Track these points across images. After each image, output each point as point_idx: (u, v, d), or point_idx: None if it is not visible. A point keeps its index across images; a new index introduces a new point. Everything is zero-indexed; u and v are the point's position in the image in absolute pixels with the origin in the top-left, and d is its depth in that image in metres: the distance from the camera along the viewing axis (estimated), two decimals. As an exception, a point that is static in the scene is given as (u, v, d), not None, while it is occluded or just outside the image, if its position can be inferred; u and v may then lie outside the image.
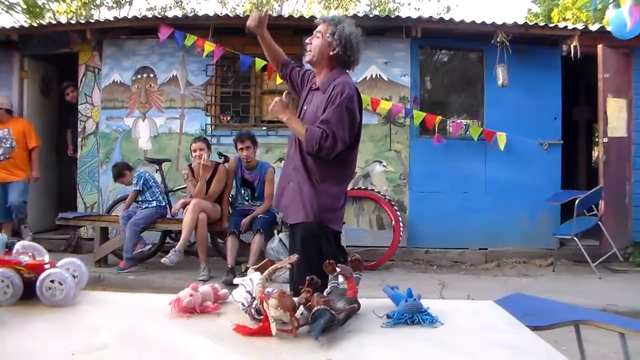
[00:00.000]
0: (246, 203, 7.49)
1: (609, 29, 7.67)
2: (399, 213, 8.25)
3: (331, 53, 3.56)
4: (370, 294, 2.22)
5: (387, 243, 8.16)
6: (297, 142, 3.62)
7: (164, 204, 7.68)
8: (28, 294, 1.95)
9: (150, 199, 7.60)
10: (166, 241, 8.07)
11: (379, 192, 8.45)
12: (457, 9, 27.06)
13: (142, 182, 7.62)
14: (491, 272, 7.97)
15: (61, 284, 1.95)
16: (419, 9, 24.52)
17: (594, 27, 8.39)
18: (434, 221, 8.50)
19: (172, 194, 8.32)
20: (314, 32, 3.64)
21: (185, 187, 7.88)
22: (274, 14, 10.99)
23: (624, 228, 8.26)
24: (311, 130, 3.43)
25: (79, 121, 9.20)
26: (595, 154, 12.71)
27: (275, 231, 7.32)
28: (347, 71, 3.69)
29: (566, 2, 19.68)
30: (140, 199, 7.66)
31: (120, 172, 7.82)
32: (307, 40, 3.66)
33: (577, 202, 7.50)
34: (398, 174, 8.59)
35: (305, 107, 3.70)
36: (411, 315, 1.83)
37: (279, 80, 7.93)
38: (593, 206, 7.92)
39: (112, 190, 8.87)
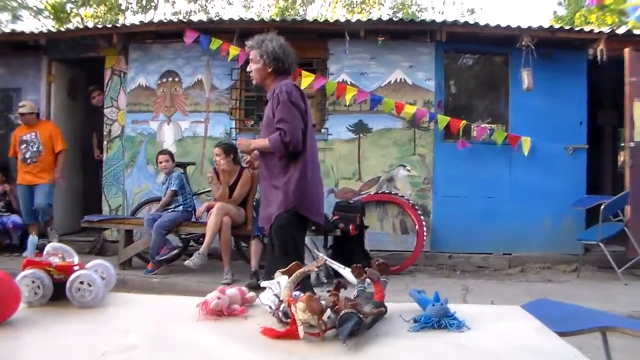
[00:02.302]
0: (270, 207, 7.50)
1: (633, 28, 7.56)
2: (422, 217, 8.24)
3: (269, 70, 4.19)
4: (394, 298, 2.22)
5: (410, 247, 8.15)
6: (262, 159, 4.29)
7: (190, 208, 7.72)
8: (58, 294, 1.98)
9: (180, 203, 7.66)
10: (190, 244, 8.12)
11: (402, 197, 8.44)
12: (481, 12, 26.94)
13: (179, 183, 7.69)
14: (515, 277, 7.91)
15: (90, 286, 1.97)
16: (442, 12, 24.43)
17: (620, 31, 8.31)
18: (458, 226, 8.46)
19: (197, 197, 8.37)
20: (250, 60, 4.28)
21: (210, 191, 7.92)
22: (299, 18, 10.98)
23: (651, 233, 8.16)
24: (272, 138, 4.03)
25: (104, 124, 9.29)
26: (621, 158, 12.58)
27: (299, 234, 7.30)
28: (287, 76, 4.25)
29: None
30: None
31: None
32: (247, 69, 4.35)
33: (602, 207, 7.43)
34: (422, 179, 8.57)
35: (263, 118, 4.34)
36: (438, 319, 1.83)
37: (304, 85, 8.02)
38: (619, 211, 7.84)
39: (137, 193, 8.95)
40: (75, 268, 2.03)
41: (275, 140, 3.97)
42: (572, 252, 8.23)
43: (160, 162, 7.84)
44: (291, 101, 4.01)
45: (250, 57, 4.22)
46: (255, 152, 4.26)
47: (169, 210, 7.62)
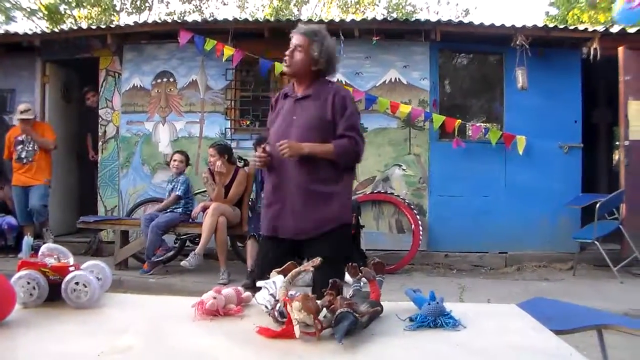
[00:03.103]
0: (266, 207, 7.50)
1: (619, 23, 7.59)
2: (418, 217, 8.24)
3: (314, 68, 3.54)
4: (391, 297, 2.22)
5: (406, 247, 8.15)
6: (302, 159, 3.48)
7: (189, 211, 7.72)
8: (53, 295, 1.98)
9: (180, 206, 7.66)
10: (186, 245, 8.12)
11: (398, 196, 8.44)
12: (475, 12, 26.94)
13: (186, 189, 7.70)
14: (511, 276, 7.93)
15: (86, 286, 1.97)
16: (437, 12, 24.47)
17: (614, 29, 8.32)
18: (454, 225, 8.46)
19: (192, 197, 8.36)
20: (294, 46, 3.57)
21: (205, 191, 7.92)
22: (293, 19, 11.00)
23: (646, 232, 8.18)
24: (340, 144, 3.46)
25: (99, 125, 9.29)
26: (616, 157, 12.61)
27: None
28: (329, 79, 3.70)
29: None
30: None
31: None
32: (287, 53, 3.58)
33: (598, 205, 7.45)
34: (417, 178, 8.57)
35: (294, 117, 3.56)
36: (434, 318, 1.83)
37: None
38: (614, 210, 7.87)
39: (132, 194, 8.94)
40: (71, 269, 2.03)
41: (345, 148, 3.45)
42: (568, 250, 8.25)
43: (174, 161, 7.80)
44: (357, 111, 3.65)
45: (300, 43, 3.54)
46: (300, 149, 3.42)
47: (167, 211, 7.61)
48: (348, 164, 3.58)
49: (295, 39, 3.58)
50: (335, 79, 3.79)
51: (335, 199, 3.52)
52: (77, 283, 1.97)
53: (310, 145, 3.43)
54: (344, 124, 3.47)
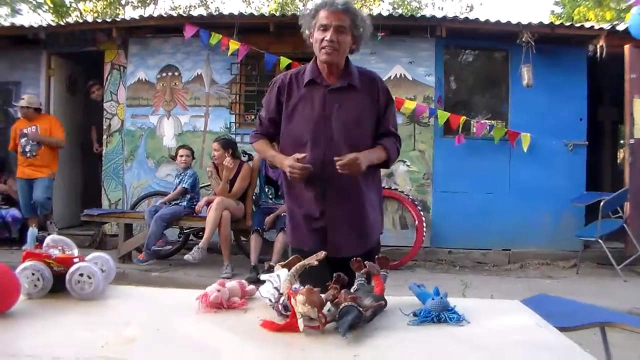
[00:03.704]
0: (270, 201, 7.53)
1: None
2: (422, 213, 8.24)
3: (352, 48, 3.04)
4: (394, 293, 2.22)
5: (410, 243, 8.15)
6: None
7: (193, 205, 7.71)
8: (58, 287, 1.98)
9: (185, 200, 7.66)
10: (190, 238, 8.13)
11: (402, 192, 8.43)
12: (480, 8, 26.80)
13: (192, 182, 7.69)
14: (514, 273, 7.92)
15: (90, 278, 1.98)
16: (442, 8, 24.40)
17: (620, 27, 8.30)
18: (457, 221, 8.46)
19: (197, 191, 8.37)
20: (337, 27, 2.91)
21: (209, 185, 7.92)
22: (298, 13, 10.99)
23: (650, 230, 8.17)
24: (390, 147, 3.04)
25: (104, 119, 9.30)
26: (620, 155, 12.59)
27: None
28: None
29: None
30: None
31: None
32: (331, 38, 2.90)
33: (602, 203, 7.44)
34: (422, 174, 8.56)
35: (333, 112, 2.99)
36: (438, 313, 1.83)
37: (304, 78, 8.00)
38: (618, 208, 7.85)
39: (136, 187, 8.95)
40: (75, 260, 2.04)
41: (396, 149, 3.10)
42: (572, 248, 8.23)
43: (181, 156, 7.80)
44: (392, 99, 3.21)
45: (340, 23, 2.90)
46: (360, 165, 2.85)
47: (173, 204, 7.61)
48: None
49: (335, 18, 2.91)
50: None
51: (379, 208, 3.27)
52: (81, 274, 1.97)
53: (367, 158, 2.89)
54: (390, 120, 3.10)
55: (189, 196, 7.68)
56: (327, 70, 3.03)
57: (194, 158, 8.03)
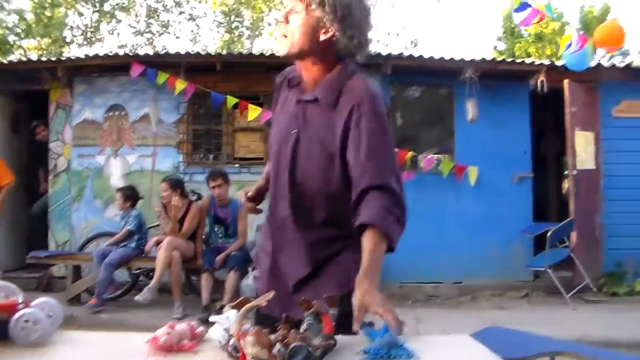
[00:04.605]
0: (220, 240, 7.49)
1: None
2: (372, 247, 8.24)
3: (323, 36, 2.06)
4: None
5: (361, 278, 8.13)
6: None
7: (142, 246, 7.61)
8: (1, 334, 1.93)
9: (134, 241, 7.54)
10: (139, 279, 8.01)
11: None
12: (424, 43, 27.33)
13: (138, 224, 7.58)
14: (466, 305, 7.99)
15: (36, 324, 1.92)
16: (387, 44, 24.75)
17: (559, 62, 8.55)
18: (408, 255, 8.44)
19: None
20: (288, 12, 2.12)
21: (159, 225, 7.84)
22: (245, 52, 11.08)
23: (596, 259, 8.35)
24: (386, 228, 2.03)
25: (50, 159, 9.14)
26: (565, 185, 12.86)
27: (250, 268, 7.31)
28: (354, 65, 2.20)
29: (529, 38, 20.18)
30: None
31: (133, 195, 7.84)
32: (279, 17, 2.30)
33: (549, 234, 7.59)
34: (371, 209, 8.58)
35: (295, 133, 2.17)
36: (387, 350, 1.83)
37: (250, 117, 8.06)
38: (565, 238, 8.01)
39: (84, 228, 8.79)
40: (20, 306, 1.98)
41: (394, 220, 2.05)
42: (522, 278, 8.36)
43: (116, 200, 7.76)
44: (385, 132, 2.16)
45: (292, 4, 2.10)
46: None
47: (120, 246, 7.49)
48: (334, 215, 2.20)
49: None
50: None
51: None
52: (26, 321, 1.92)
53: (371, 282, 1.98)
54: (362, 155, 2.03)
55: (136, 237, 7.57)
56: (303, 72, 2.21)
57: (135, 200, 7.89)
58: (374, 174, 2.01)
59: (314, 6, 2.03)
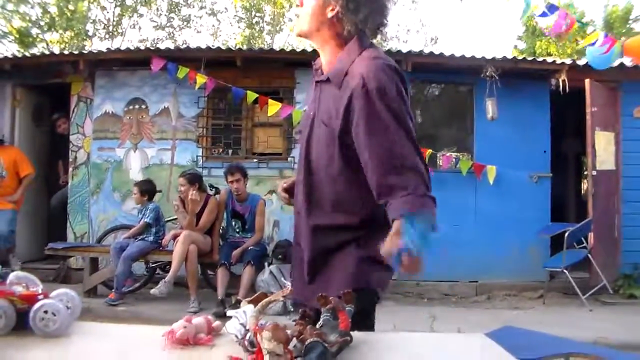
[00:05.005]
0: (237, 235, 7.51)
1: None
2: (389, 245, 8.24)
3: (330, 13, 2.14)
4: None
5: (377, 275, 8.13)
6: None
7: (160, 239, 7.66)
8: (21, 324, 1.95)
9: (151, 234, 7.58)
10: (156, 272, 8.05)
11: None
12: (444, 41, 27.21)
13: (154, 216, 7.62)
14: (481, 304, 7.96)
15: (55, 315, 1.94)
16: (406, 41, 24.71)
17: (581, 62, 8.48)
18: (425, 253, 8.46)
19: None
20: None
21: (176, 219, 7.88)
22: (266, 47, 11.12)
23: (614, 260, 8.29)
24: (401, 214, 2.10)
25: (70, 151, 9.21)
26: (584, 186, 12.78)
27: (266, 263, 7.36)
28: (367, 42, 2.21)
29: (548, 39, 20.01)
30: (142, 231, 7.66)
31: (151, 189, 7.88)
32: (297, 2, 2.28)
33: (566, 234, 7.54)
34: (388, 206, 8.57)
35: (312, 115, 2.27)
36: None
37: (270, 112, 8.07)
38: (582, 238, 7.97)
39: (102, 221, 8.85)
40: (39, 297, 2.01)
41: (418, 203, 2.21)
42: (538, 279, 8.31)
43: (134, 194, 7.80)
44: (391, 109, 2.02)
45: None
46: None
47: (138, 239, 7.54)
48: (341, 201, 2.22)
49: None
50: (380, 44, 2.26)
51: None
52: (45, 312, 1.94)
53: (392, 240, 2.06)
54: (366, 149, 2.04)
55: (154, 230, 7.60)
56: (320, 55, 2.30)
57: (152, 194, 7.92)
58: (379, 178, 2.04)
59: None
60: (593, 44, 7.12)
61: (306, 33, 2.25)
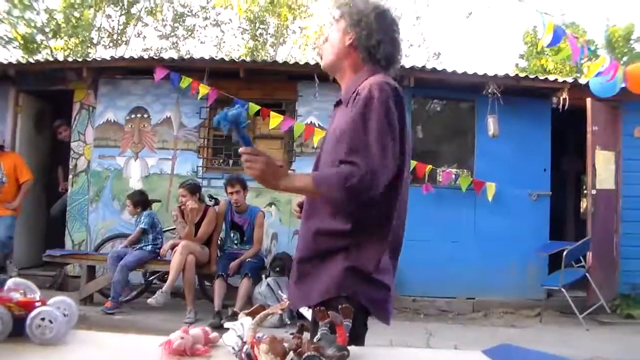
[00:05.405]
0: (235, 246, 7.51)
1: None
2: (387, 260, 8.23)
3: (347, 42, 2.42)
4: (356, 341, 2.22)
5: (374, 290, 8.12)
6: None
7: (158, 248, 7.65)
8: (17, 331, 1.95)
9: (149, 242, 7.57)
10: (153, 282, 8.04)
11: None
12: (447, 56, 27.28)
13: (148, 222, 7.60)
14: (478, 321, 7.95)
15: (51, 323, 1.94)
16: (408, 55, 24.76)
17: (583, 81, 8.51)
18: (422, 269, 8.45)
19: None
20: (326, 34, 2.58)
21: (175, 229, 7.88)
22: (269, 59, 11.14)
23: (612, 280, 8.29)
24: (322, 176, 2.28)
25: (70, 158, 9.22)
26: (583, 205, 12.78)
27: (263, 276, 7.36)
28: (382, 70, 2.45)
29: (549, 54, 20.10)
30: (139, 239, 7.64)
31: (144, 201, 7.87)
32: (321, 39, 2.60)
33: (565, 253, 7.55)
34: (387, 221, 8.57)
35: (324, 144, 2.52)
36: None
37: (272, 125, 8.09)
38: (581, 257, 7.97)
39: (101, 229, 8.84)
40: (37, 304, 2.01)
41: (329, 178, 2.21)
42: (535, 297, 8.32)
43: (127, 206, 7.77)
44: (379, 116, 2.21)
45: (332, 19, 2.53)
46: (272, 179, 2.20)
47: (136, 248, 7.53)
48: (339, 207, 2.30)
49: (327, 20, 2.62)
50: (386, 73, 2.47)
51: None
52: (42, 319, 1.94)
53: (287, 178, 2.21)
54: (347, 142, 2.22)
55: (151, 237, 7.59)
56: (341, 84, 2.56)
57: (142, 206, 7.86)
58: (346, 151, 2.19)
59: (337, 17, 2.47)
60: (598, 73, 7.10)
61: (329, 64, 2.52)
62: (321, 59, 2.60)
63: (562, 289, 7.58)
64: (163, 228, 8.12)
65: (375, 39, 2.40)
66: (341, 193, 2.16)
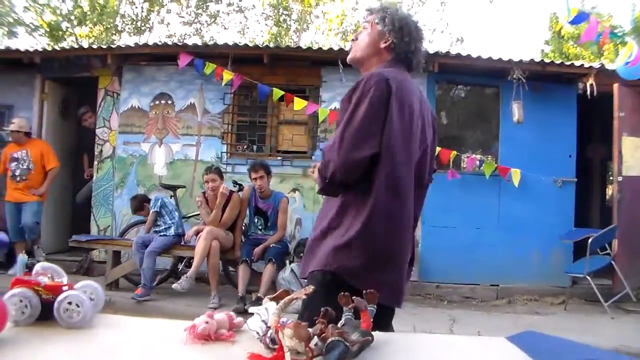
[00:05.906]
0: (259, 232, 7.52)
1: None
2: (410, 247, 8.22)
3: (383, 44, 2.61)
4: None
5: (398, 276, 8.12)
6: None
7: (181, 231, 7.68)
8: (45, 315, 1.97)
9: (168, 226, 7.61)
10: (178, 267, 8.10)
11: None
12: (470, 42, 27.00)
13: (159, 204, 7.65)
14: (502, 308, 7.92)
15: (78, 306, 1.96)
16: (432, 41, 24.58)
17: (610, 66, 8.39)
18: (446, 256, 8.45)
19: (186, 220, 8.32)
20: (361, 26, 2.76)
21: (199, 214, 7.91)
22: (292, 45, 11.10)
23: (638, 268, 8.19)
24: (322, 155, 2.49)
25: (96, 145, 9.29)
26: (609, 192, 12.66)
27: (287, 261, 7.36)
28: (405, 68, 2.70)
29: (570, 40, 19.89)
30: (158, 223, 7.68)
31: (140, 204, 7.92)
32: (352, 37, 2.77)
33: (590, 240, 7.47)
34: (411, 208, 8.55)
35: None
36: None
37: (297, 107, 8.09)
38: (606, 245, 7.89)
39: (125, 215, 8.90)
40: (64, 288, 2.02)
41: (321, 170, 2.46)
42: (560, 284, 8.26)
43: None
44: (360, 101, 2.37)
45: (368, 19, 2.69)
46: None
47: (160, 234, 7.58)
48: (323, 185, 2.46)
49: (366, 18, 2.72)
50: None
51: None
52: (70, 303, 1.96)
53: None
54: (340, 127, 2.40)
55: (167, 216, 7.64)
56: None
57: (147, 202, 7.97)
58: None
59: (377, 22, 2.64)
60: (627, 62, 7.02)
61: (358, 59, 2.73)
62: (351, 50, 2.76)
63: (587, 277, 7.52)
64: (188, 213, 8.18)
65: (413, 46, 2.65)
66: (320, 181, 2.47)
